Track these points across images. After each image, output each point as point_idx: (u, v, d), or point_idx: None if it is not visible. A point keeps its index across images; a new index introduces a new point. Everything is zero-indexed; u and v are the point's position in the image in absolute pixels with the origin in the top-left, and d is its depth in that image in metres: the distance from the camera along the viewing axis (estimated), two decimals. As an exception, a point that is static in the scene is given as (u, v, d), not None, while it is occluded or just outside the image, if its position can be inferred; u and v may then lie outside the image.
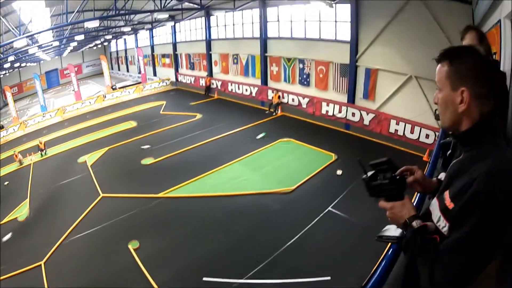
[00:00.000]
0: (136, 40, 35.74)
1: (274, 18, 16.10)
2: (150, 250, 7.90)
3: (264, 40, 16.71)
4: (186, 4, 18.79)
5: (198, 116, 17.64)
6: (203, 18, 21.57)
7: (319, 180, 9.79)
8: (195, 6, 19.13)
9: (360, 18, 11.74)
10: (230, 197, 9.46)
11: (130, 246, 8.03)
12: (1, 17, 13.61)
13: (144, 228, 8.77)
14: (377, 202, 1.41)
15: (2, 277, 8.27)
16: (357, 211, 7.96)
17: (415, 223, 1.26)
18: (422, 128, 10.09)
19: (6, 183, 13.61)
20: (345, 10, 12.22)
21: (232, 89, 20.09)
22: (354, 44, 12.06)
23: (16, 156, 16.04)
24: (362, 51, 11.89)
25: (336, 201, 8.57)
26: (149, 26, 27.48)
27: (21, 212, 11.35)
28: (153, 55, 31.99)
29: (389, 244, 1.70)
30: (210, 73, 22.51)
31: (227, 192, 9.70)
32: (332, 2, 11.44)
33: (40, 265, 8.48)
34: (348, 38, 12.31)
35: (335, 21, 12.95)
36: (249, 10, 17.27)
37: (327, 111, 13.35)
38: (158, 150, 13.49)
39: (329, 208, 8.36)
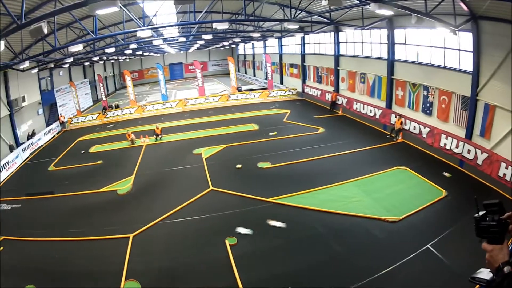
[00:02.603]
0: (265, 46, 43.86)
1: (401, 40, 19.96)
2: (246, 249, 10.07)
3: (391, 62, 20.74)
4: (316, 18, 23.71)
5: (321, 130, 22.52)
6: (333, 33, 26.83)
7: (426, 215, 11.82)
8: (325, 20, 24.11)
9: (482, 48, 14.50)
10: (337, 215, 11.82)
11: (227, 241, 10.36)
12: (122, 7, 16.39)
13: (246, 227, 11.17)
14: (480, 243, 1.92)
15: (87, 238, 11.24)
16: (453, 253, 9.62)
17: (506, 269, 1.67)
18: (528, 176, 12.37)
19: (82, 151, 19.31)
20: (469, 39, 15.01)
21: (356, 108, 24.67)
22: (476, 75, 14.85)
23: (129, 135, 22.28)
24: (483, 84, 14.60)
25: (436, 240, 10.27)
26: (278, 34, 34.12)
27: (123, 186, 15.33)
28: (281, 63, 39.20)
29: (477, 286, 2.76)
30: (337, 89, 27.68)
31: (336, 210, 12.06)
32: (455, 29, 14.44)
33: (128, 237, 10.99)
34: (471, 69, 15.10)
35: (459, 50, 15.96)
36: (378, 30, 21.44)
37: (445, 144, 16.43)
38: (276, 157, 17.50)
39: (428, 245, 10.02)
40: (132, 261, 10.22)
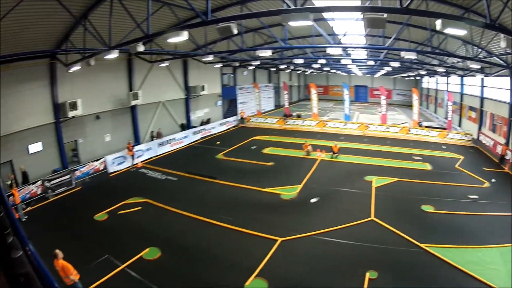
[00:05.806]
0: (447, 83, 42.82)
1: None
2: (385, 286, 10.63)
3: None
4: (494, 59, 23.08)
5: (486, 184, 21.66)
6: (509, 78, 25.76)
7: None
8: (502, 63, 23.40)
9: None
10: (472, 279, 11.59)
11: (367, 274, 11.10)
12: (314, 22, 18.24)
13: (391, 266, 11.82)
14: None
15: (233, 227, 13.17)
16: None
17: None
18: None
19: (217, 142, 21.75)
20: None
21: (519, 166, 22.94)
22: None
23: (305, 146, 24.79)
24: None
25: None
26: (461, 72, 33.71)
27: (288, 192, 17.44)
28: (461, 104, 37.99)
29: None
30: (508, 142, 26.01)
31: (473, 272, 11.82)
32: None
33: (277, 240, 12.33)
34: None
35: None
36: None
37: None
38: (440, 203, 17.54)
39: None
40: (271, 262, 11.53)
